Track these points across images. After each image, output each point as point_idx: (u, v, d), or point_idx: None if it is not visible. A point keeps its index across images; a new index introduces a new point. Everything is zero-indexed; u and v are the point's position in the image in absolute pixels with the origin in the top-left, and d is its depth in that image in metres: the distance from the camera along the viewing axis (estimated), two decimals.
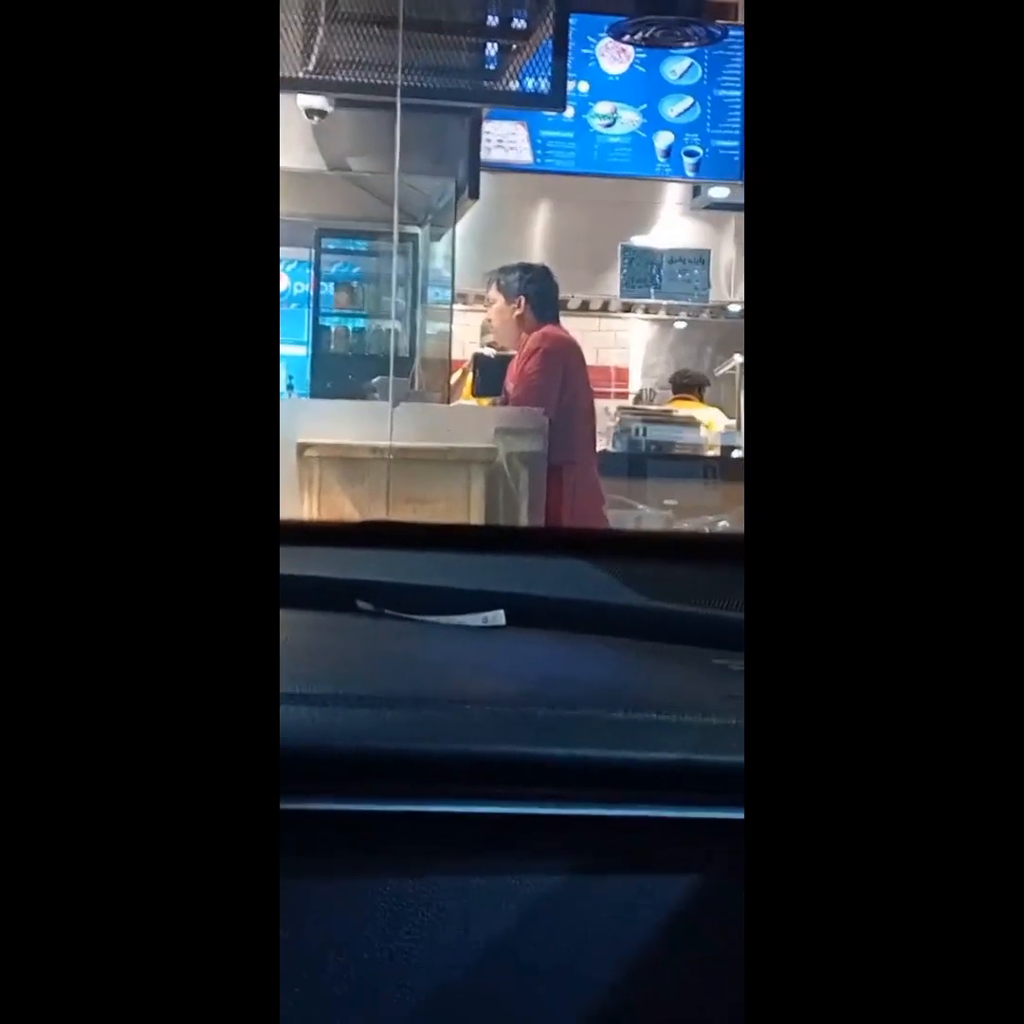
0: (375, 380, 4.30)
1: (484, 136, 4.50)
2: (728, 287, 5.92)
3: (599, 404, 4.30)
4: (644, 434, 4.71)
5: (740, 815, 0.54)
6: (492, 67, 4.00)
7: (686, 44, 4.43)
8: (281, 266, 5.86)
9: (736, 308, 5.96)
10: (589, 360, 4.11)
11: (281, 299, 5.90)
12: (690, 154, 4.92)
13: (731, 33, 4.36)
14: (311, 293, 5.22)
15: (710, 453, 4.81)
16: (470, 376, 4.36)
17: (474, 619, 0.87)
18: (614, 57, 4.83)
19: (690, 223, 5.87)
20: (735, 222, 5.66)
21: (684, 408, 5.25)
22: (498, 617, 0.88)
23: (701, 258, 5.77)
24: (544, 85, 3.88)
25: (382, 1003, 0.60)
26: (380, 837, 0.63)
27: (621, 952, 0.62)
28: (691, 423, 4.87)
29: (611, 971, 0.62)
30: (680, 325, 6.39)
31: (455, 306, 5.00)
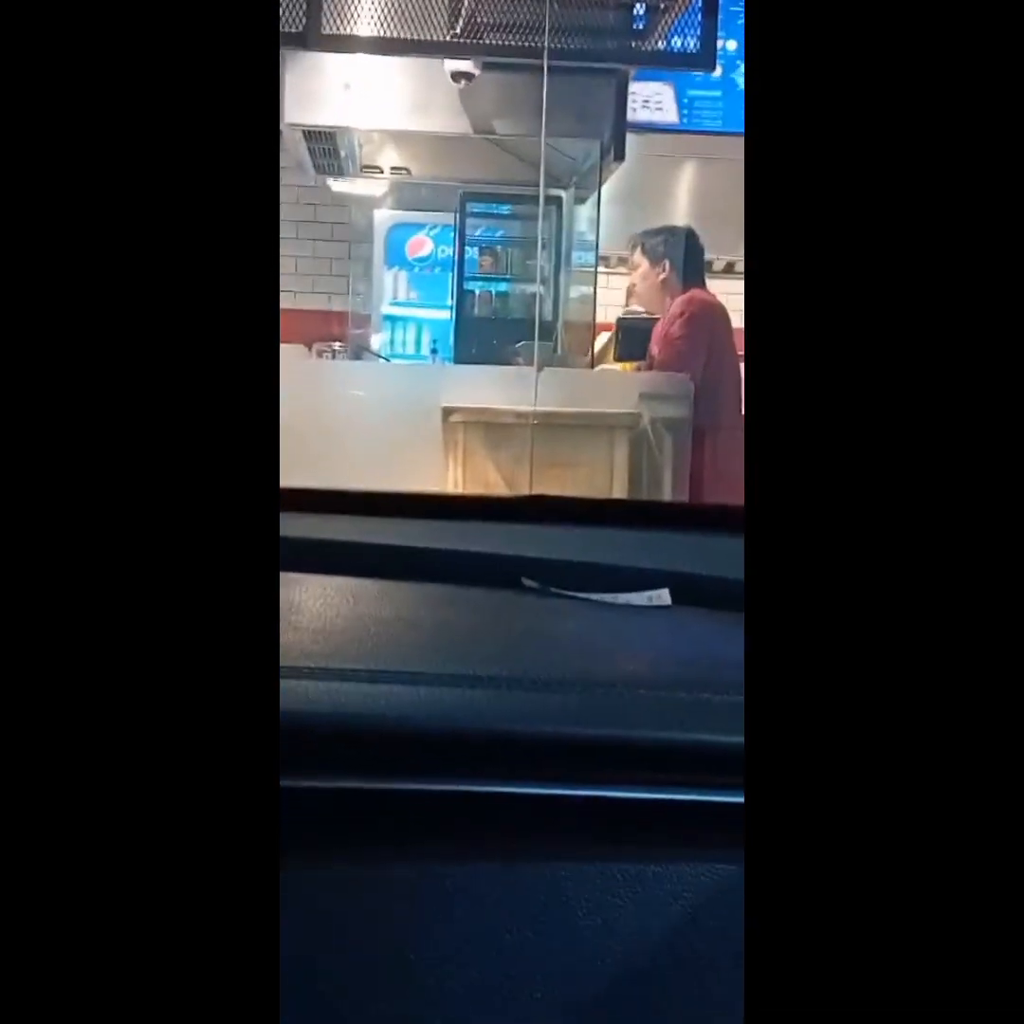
0: (519, 345, 4.32)
1: (630, 97, 4.46)
2: None
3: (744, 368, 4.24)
4: None
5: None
6: (640, 27, 3.96)
7: None
8: (426, 231, 5.92)
9: None
10: (735, 323, 4.05)
11: (426, 264, 5.96)
12: None
13: None
14: (455, 257, 5.25)
15: None
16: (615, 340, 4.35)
17: (639, 598, 0.87)
18: None
19: None
20: None
21: None
22: (663, 596, 0.87)
23: None
24: (692, 44, 3.83)
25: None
26: (532, 820, 0.63)
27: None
28: None
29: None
30: None
31: (599, 269, 4.98)
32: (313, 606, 0.84)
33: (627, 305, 4.65)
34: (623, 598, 0.87)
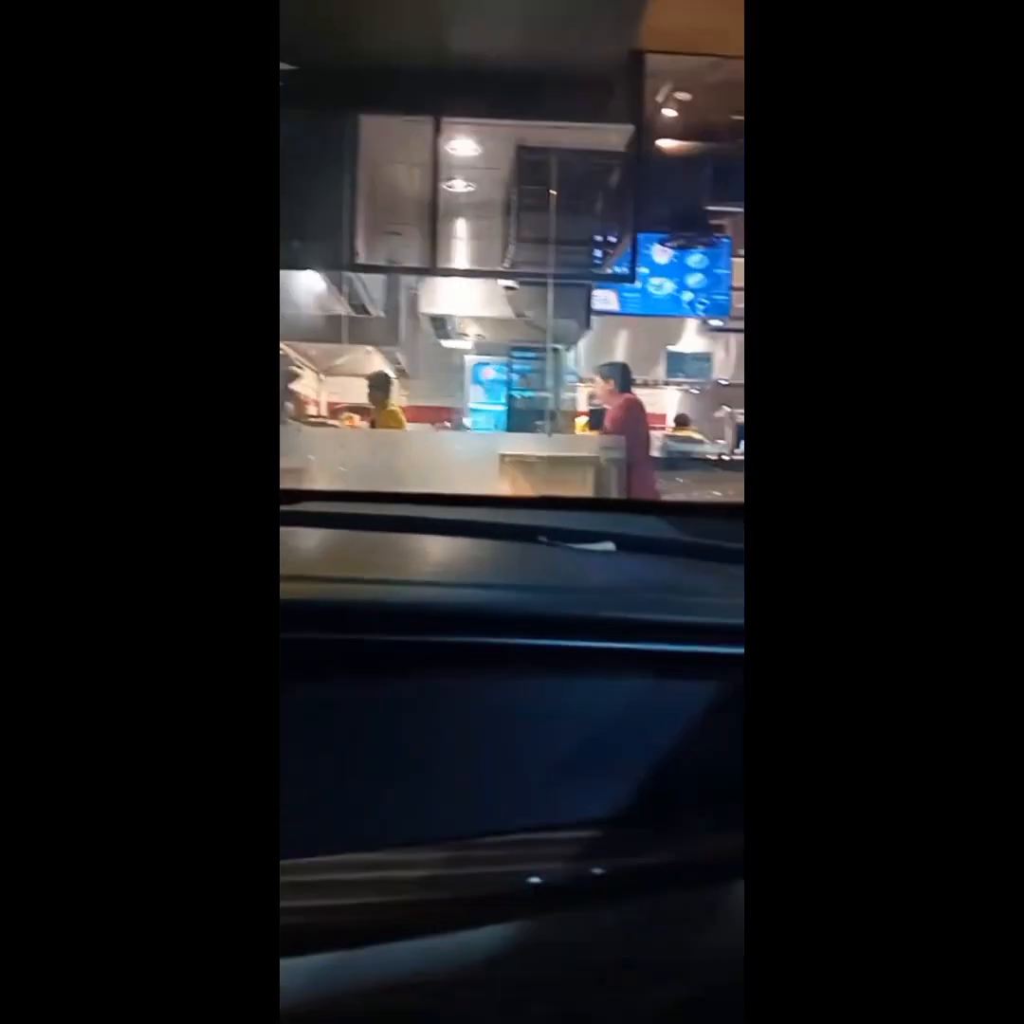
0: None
1: (593, 296, 7.18)
2: (724, 372, 10.24)
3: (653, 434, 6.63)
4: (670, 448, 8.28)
5: None
6: (598, 260, 5.75)
7: (699, 246, 7.54)
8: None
9: (724, 382, 10.18)
10: (648, 410, 5.96)
11: None
12: (701, 304, 8.11)
13: (721, 240, 7.48)
14: None
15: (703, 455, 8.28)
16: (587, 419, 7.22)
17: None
18: (661, 253, 7.75)
19: (701, 338, 10.20)
20: (727, 338, 9.71)
21: (682, 432, 9.08)
22: (607, 544, 1.01)
23: (707, 356, 10.12)
24: (625, 269, 5.59)
25: None
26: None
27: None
28: (690, 440, 8.54)
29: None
30: (694, 392, 10.68)
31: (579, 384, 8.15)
32: None
33: (589, 403, 7.81)
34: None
